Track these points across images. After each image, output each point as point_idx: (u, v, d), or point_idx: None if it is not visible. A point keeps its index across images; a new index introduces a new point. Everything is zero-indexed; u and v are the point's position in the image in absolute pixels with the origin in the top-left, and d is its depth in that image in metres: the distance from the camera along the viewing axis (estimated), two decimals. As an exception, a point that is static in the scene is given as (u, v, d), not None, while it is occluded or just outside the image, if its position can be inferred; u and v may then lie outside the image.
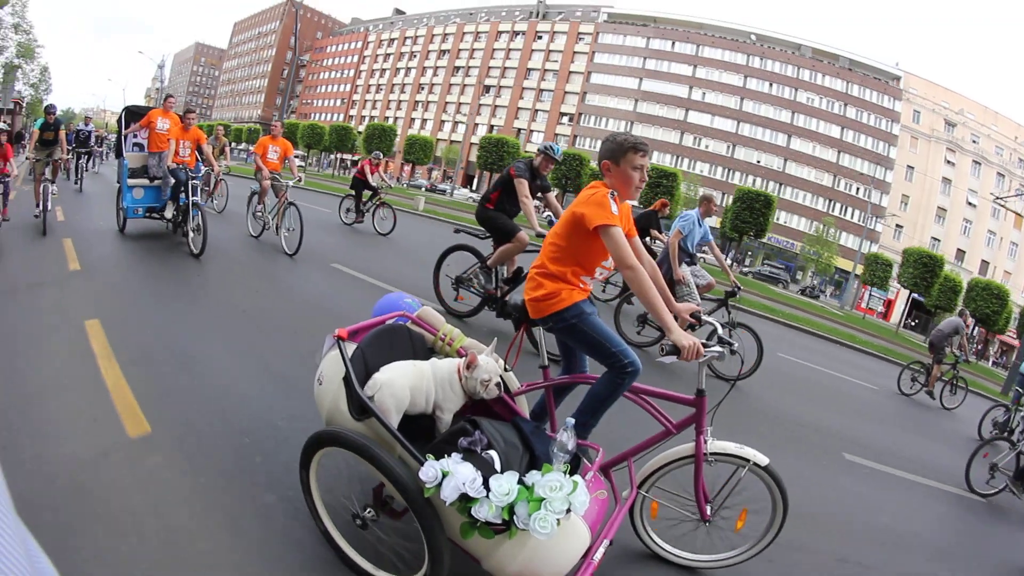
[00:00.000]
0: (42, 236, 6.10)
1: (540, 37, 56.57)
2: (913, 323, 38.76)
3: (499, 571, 1.57)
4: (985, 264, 47.14)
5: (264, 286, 5.45)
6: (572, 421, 1.76)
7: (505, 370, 2.16)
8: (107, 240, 6.47)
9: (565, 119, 54.09)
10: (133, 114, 6.88)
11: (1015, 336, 33.93)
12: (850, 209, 45.78)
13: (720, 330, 2.19)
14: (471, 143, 31.36)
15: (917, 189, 45.85)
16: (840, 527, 3.10)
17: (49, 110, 8.00)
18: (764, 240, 34.67)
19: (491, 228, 4.89)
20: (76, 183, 11.52)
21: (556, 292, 2.16)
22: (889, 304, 43.14)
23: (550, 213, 7.14)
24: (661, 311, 1.94)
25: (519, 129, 55.30)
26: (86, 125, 13.75)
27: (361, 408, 1.69)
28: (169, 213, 6.61)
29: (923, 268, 23.25)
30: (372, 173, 10.31)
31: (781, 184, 46.94)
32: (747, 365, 5.23)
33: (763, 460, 2.02)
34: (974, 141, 47.46)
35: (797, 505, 2.25)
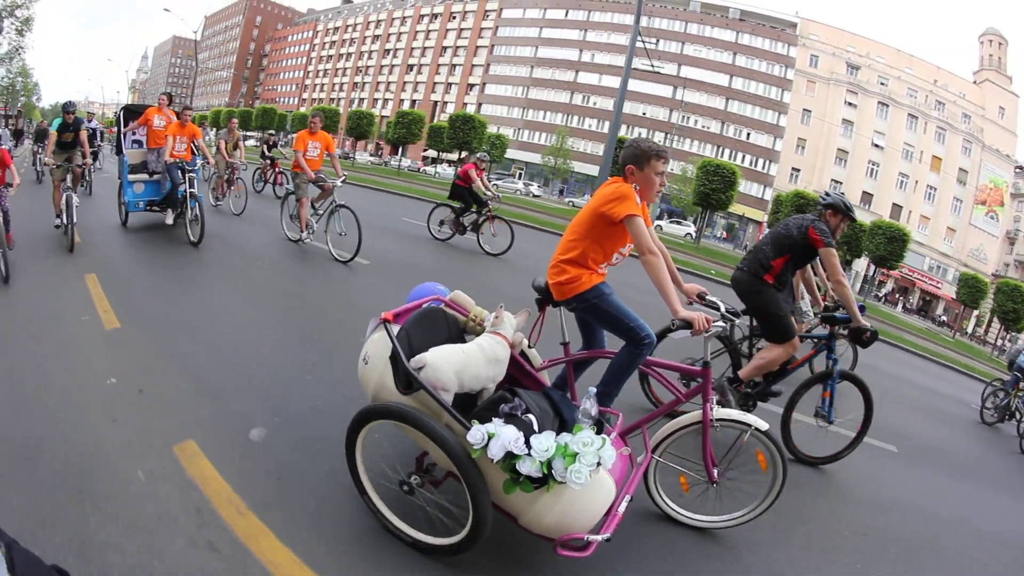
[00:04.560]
0: (68, 252, 5.29)
1: (454, 17, 60.96)
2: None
3: (536, 524, 1.78)
4: (897, 208, 45.70)
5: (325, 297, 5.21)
6: (594, 390, 2.01)
7: (528, 347, 2.45)
8: (111, 234, 6.49)
9: (473, 90, 58.14)
10: (131, 112, 7.00)
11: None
12: (740, 154, 46.10)
13: (723, 308, 2.34)
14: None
15: (814, 132, 45.69)
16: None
17: (67, 108, 6.59)
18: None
19: (763, 317, 3.32)
20: (83, 186, 9.27)
21: (578, 276, 2.40)
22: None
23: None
24: (671, 295, 2.20)
25: (435, 101, 59.79)
26: (89, 122, 11.90)
27: (408, 383, 1.87)
28: (170, 220, 6.67)
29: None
30: (478, 177, 8.46)
31: (666, 133, 48.16)
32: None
33: (763, 425, 2.21)
34: (882, 83, 46.70)
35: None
